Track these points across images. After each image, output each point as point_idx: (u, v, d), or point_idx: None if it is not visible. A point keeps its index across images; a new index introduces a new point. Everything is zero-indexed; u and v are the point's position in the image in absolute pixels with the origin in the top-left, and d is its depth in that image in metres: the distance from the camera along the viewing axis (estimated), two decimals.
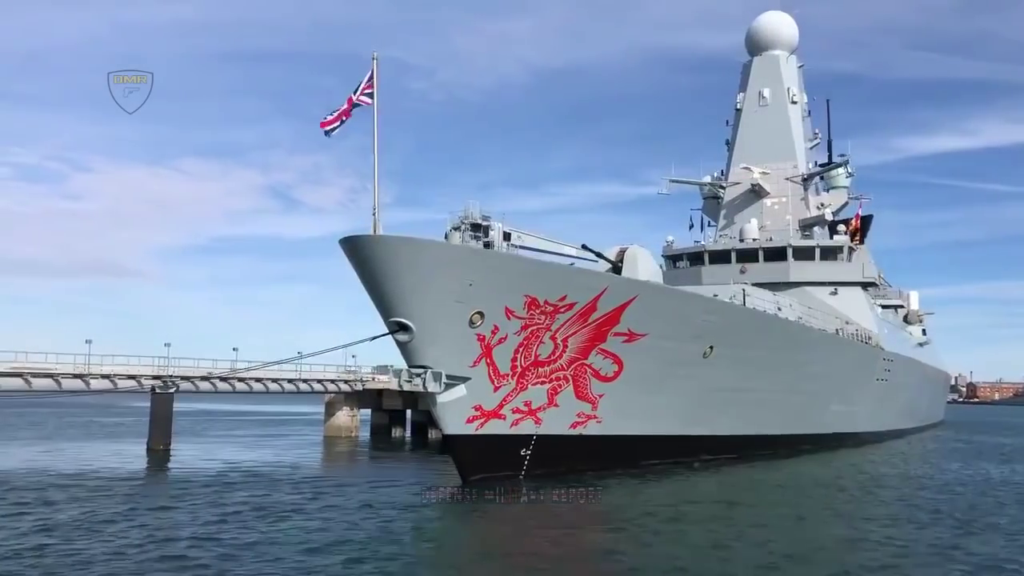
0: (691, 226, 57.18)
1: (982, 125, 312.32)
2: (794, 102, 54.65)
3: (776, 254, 48.39)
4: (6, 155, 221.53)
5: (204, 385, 38.95)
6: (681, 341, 30.11)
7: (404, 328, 23.44)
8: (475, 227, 35.43)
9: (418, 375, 23.96)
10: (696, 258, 50.71)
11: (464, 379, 24.78)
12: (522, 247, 36.60)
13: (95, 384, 35.54)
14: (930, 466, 35.53)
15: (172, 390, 37.59)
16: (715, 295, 36.69)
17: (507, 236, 36.52)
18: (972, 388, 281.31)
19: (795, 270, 47.84)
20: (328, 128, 23.61)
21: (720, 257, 49.58)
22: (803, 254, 48.35)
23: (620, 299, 27.24)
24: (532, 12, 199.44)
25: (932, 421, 73.81)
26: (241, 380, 40.43)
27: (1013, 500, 24.86)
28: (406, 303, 23.13)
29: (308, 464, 33.36)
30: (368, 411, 51.82)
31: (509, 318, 24.95)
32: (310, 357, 28.07)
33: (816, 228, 51.65)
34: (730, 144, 55.80)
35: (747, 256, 48.82)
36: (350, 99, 23.47)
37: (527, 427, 26.87)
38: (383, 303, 23.40)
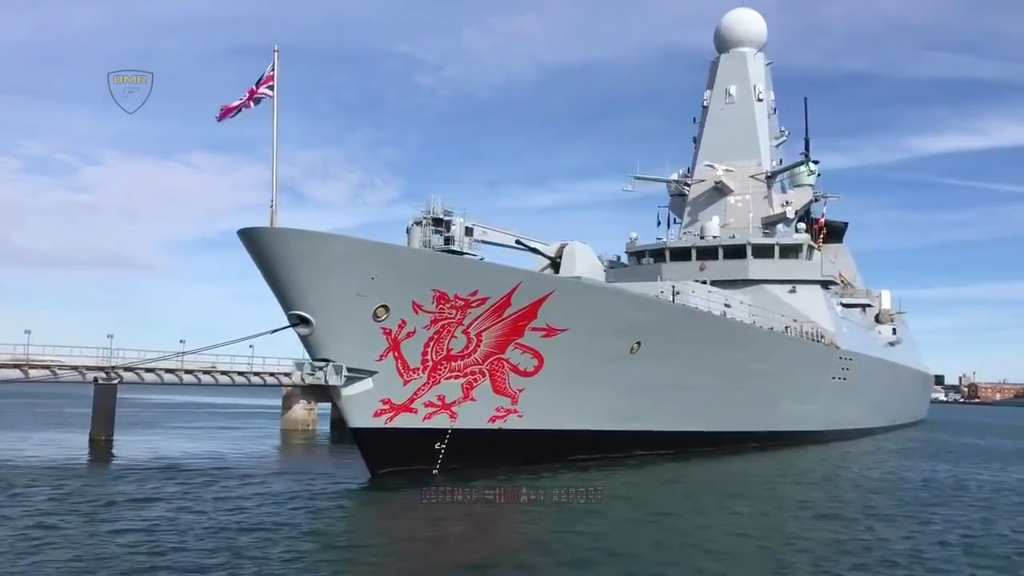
0: (658, 223, 57.32)
1: (993, 125, 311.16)
2: (760, 99, 54.62)
3: (736, 251, 48.41)
4: (16, 147, 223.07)
5: (149, 376, 39.10)
6: (605, 337, 30.10)
7: (304, 321, 23.48)
8: (437, 222, 35.81)
9: (320, 368, 24.03)
10: (658, 255, 50.72)
11: (370, 373, 24.82)
12: (486, 242, 36.89)
13: (34, 374, 35.72)
14: (860, 465, 35.38)
15: (115, 381, 37.73)
16: (661, 292, 36.96)
17: (470, 231, 36.96)
18: (974, 388, 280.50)
19: (754, 268, 47.82)
20: (223, 117, 23.57)
21: (681, 254, 49.61)
22: (762, 252, 48.29)
23: (536, 294, 27.24)
24: (541, 9, 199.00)
25: (907, 420, 73.56)
26: (189, 372, 40.59)
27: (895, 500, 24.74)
28: (304, 296, 23.17)
29: (241, 455, 33.37)
30: (328, 404, 51.86)
31: (417, 312, 24.97)
32: (215, 348, 28.06)
33: (780, 226, 51.55)
34: (696, 141, 55.86)
35: (707, 253, 48.84)
36: (251, 91, 23.44)
37: (441, 421, 26.92)
38: (282, 296, 23.45)
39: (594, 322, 29.46)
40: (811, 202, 54.49)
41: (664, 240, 51.86)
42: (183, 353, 27.81)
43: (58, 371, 36.30)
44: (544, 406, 29.45)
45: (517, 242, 34.46)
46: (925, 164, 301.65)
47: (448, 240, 35.45)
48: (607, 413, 31.91)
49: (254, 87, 23.48)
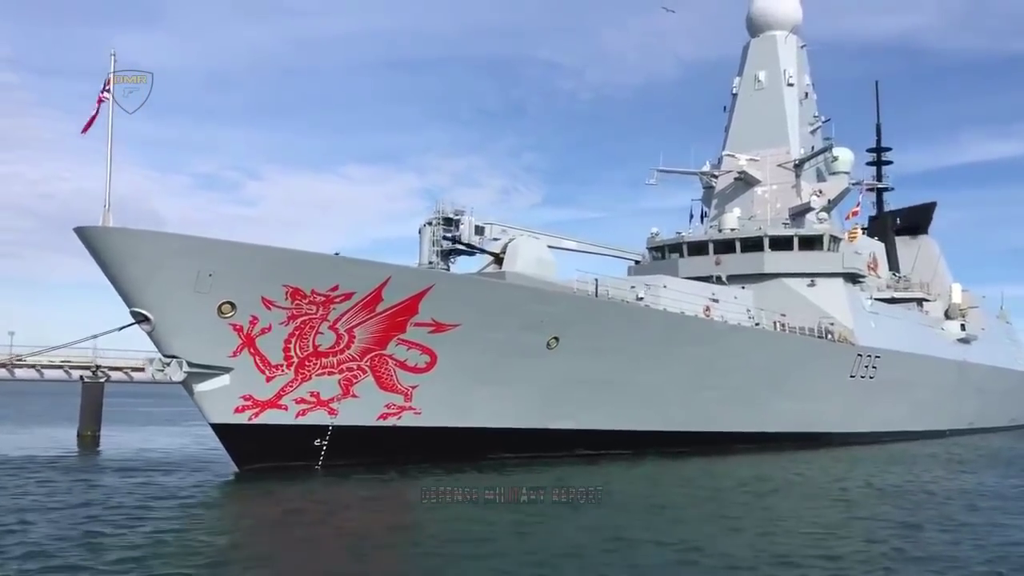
0: (691, 217, 55.34)
1: None
2: (791, 84, 51.92)
3: (753, 244, 46.29)
4: (188, 165, 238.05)
5: (140, 375, 40.81)
6: (511, 332, 29.30)
7: (146, 319, 23.96)
8: (447, 221, 36.33)
9: (168, 365, 24.50)
10: (677, 249, 49.07)
11: (224, 369, 25.10)
12: (496, 240, 37.07)
13: (20, 373, 37.97)
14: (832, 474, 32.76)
15: (102, 380, 39.62)
16: (634, 288, 35.94)
17: (480, 230, 37.26)
18: None
19: (770, 261, 45.56)
20: (87, 128, 24.28)
21: (698, 248, 47.85)
22: (780, 244, 45.93)
23: (412, 289, 26.81)
24: (681, 5, 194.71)
25: (998, 424, 67.67)
26: None
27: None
28: (137, 294, 23.66)
29: (192, 449, 34.24)
30: None
31: (270, 308, 25.03)
32: (59, 349, 29.02)
33: (808, 217, 48.76)
34: (726, 130, 53.72)
35: (724, 247, 46.91)
36: (100, 97, 24.10)
37: (319, 418, 26.94)
38: (120, 293, 24.02)
39: (493, 317, 28.75)
40: (846, 191, 51.17)
41: (683, 234, 50.00)
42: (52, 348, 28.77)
43: (44, 370, 38.38)
44: (446, 403, 29.00)
45: (451, 239, 34.20)
46: None
47: (455, 240, 35.89)
48: (528, 410, 31.09)
49: (101, 93, 24.10)
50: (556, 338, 30.58)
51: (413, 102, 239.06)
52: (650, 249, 51.14)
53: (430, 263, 35.02)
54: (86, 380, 39.53)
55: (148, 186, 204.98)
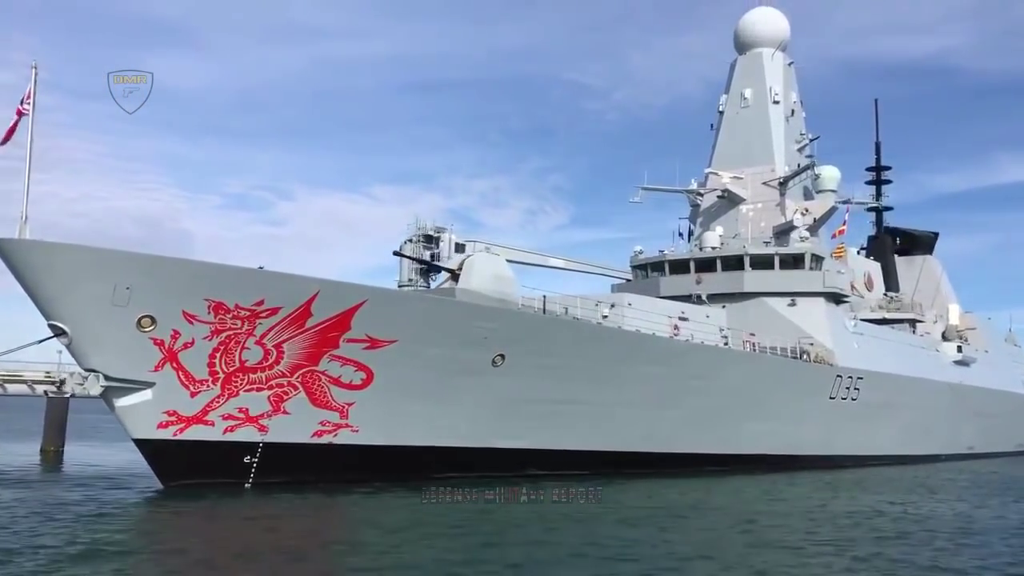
0: (680, 235, 54.59)
1: None
2: (776, 101, 51.28)
3: (734, 263, 45.60)
4: (219, 185, 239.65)
5: None
6: (452, 348, 28.78)
7: (63, 332, 23.72)
8: (428, 238, 36.18)
9: (87, 379, 24.25)
10: (659, 268, 48.42)
11: (146, 384, 24.79)
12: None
13: None
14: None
15: (67, 395, 39.49)
16: (597, 305, 35.47)
17: (461, 248, 37.03)
18: None
19: (751, 280, 44.80)
20: (5, 140, 24.13)
21: (680, 267, 47.20)
22: (760, 263, 45.16)
23: (343, 304, 26.38)
24: (707, 26, 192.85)
25: (995, 449, 65.32)
26: None
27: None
28: (53, 307, 23.45)
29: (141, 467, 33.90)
30: None
31: (192, 323, 24.71)
32: None
33: (792, 235, 47.87)
34: (712, 148, 53.11)
35: (705, 265, 46.25)
36: (18, 109, 24.00)
37: (247, 434, 26.52)
38: (37, 306, 23.81)
39: (432, 333, 28.25)
40: (832, 210, 50.18)
41: (664, 253, 49.33)
42: None
43: (7, 384, 38.37)
44: (385, 421, 28.52)
45: (394, 253, 33.92)
46: None
47: (434, 256, 35.66)
48: (474, 428, 30.48)
49: (20, 105, 24.01)
50: (502, 355, 30.00)
51: (440, 123, 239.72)
52: (633, 268, 50.53)
53: (409, 280, 34.83)
54: (50, 395, 39.47)
55: (180, 206, 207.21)
